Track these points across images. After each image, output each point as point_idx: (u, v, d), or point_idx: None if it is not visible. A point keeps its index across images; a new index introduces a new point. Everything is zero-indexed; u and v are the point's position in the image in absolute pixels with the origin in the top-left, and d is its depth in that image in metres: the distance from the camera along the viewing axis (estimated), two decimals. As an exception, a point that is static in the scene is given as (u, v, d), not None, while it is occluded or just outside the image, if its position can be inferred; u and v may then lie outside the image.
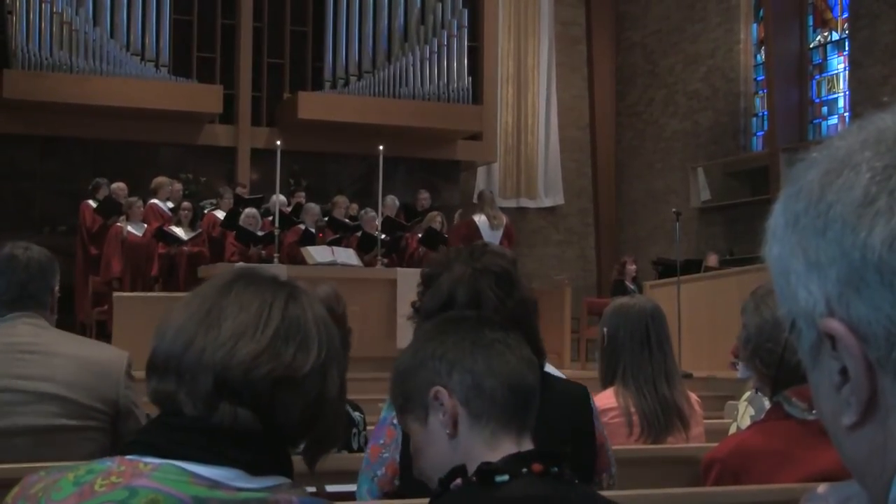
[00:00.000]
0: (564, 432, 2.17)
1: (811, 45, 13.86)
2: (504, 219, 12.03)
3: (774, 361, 2.31)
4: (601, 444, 2.37)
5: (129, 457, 1.29)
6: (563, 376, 2.59)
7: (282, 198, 11.18)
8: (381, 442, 2.26)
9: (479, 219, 11.82)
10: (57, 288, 2.92)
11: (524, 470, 1.54)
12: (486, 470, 1.54)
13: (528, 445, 1.62)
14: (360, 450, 3.28)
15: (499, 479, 1.53)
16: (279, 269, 9.07)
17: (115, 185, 11.67)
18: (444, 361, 1.63)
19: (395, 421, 2.17)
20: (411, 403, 1.67)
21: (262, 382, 1.29)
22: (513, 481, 1.53)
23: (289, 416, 1.31)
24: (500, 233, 11.69)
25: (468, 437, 1.62)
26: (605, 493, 1.89)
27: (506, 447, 1.59)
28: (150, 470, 1.25)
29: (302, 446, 1.39)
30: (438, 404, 1.63)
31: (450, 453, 1.63)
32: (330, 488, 2.65)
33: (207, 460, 1.26)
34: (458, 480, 1.56)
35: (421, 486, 2.20)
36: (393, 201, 12.11)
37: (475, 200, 14.21)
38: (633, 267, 12.61)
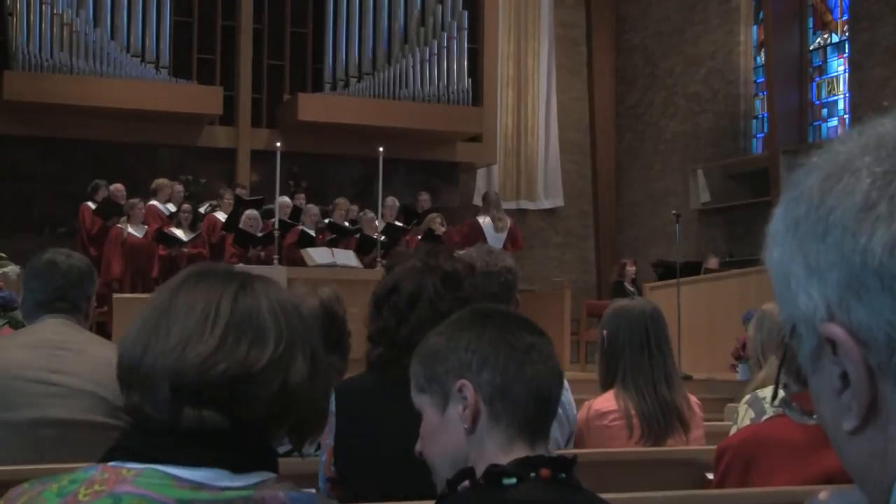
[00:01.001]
0: None
1: (811, 48, 13.86)
2: (508, 221, 11.96)
3: None
4: None
5: (111, 463, 1.28)
6: None
7: (287, 200, 11.16)
8: (326, 429, 2.35)
9: (484, 220, 11.74)
10: (94, 297, 2.98)
11: (532, 474, 1.54)
12: (494, 472, 1.54)
13: (540, 451, 1.61)
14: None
15: (506, 481, 1.53)
16: (279, 271, 9.08)
17: (112, 187, 11.65)
18: (477, 355, 1.61)
19: (331, 408, 2.30)
20: (433, 387, 1.66)
21: (218, 382, 1.27)
22: (520, 485, 1.53)
23: (254, 410, 1.29)
24: (504, 235, 11.63)
25: (485, 436, 1.61)
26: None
27: (519, 452, 1.59)
28: (133, 475, 1.25)
29: (286, 439, 1.37)
30: (461, 397, 1.62)
31: (462, 447, 1.62)
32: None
33: (189, 463, 1.25)
34: (466, 482, 1.56)
35: (354, 472, 2.25)
36: (393, 202, 12.11)
37: (475, 202, 14.20)
38: (633, 269, 12.62)
